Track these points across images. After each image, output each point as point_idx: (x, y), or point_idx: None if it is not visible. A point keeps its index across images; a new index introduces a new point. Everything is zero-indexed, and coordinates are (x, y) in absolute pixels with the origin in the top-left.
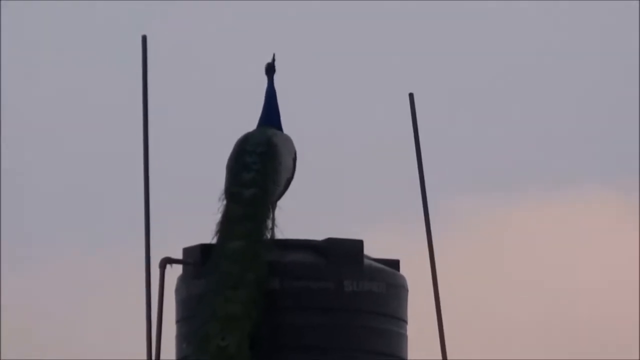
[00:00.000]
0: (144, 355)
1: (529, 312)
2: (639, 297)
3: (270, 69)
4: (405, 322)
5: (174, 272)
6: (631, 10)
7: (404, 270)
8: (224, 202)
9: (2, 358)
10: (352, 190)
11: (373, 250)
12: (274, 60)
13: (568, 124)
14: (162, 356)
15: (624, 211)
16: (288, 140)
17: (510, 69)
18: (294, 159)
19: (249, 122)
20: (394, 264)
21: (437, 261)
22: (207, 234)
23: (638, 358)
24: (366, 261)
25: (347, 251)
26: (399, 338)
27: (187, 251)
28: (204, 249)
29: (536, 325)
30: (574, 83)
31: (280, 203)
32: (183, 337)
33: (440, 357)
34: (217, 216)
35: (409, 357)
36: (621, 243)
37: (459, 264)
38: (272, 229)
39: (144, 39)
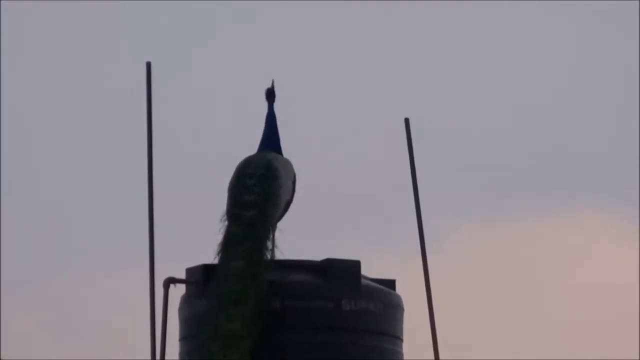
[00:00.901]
0: None
1: (520, 329)
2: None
3: (270, 95)
4: (401, 340)
5: (178, 292)
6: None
7: (399, 289)
8: (226, 223)
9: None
10: (350, 212)
11: (370, 270)
12: (273, 86)
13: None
14: None
15: (615, 233)
16: (288, 163)
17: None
18: (294, 182)
19: (250, 145)
20: (390, 284)
21: (431, 281)
22: (209, 255)
23: None
24: (363, 281)
25: (345, 271)
26: (395, 356)
27: (189, 271)
28: (206, 269)
29: (527, 339)
30: (567, 114)
31: (280, 225)
32: (186, 355)
33: None
34: (219, 237)
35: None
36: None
37: (453, 284)
38: (272, 249)
39: (149, 65)
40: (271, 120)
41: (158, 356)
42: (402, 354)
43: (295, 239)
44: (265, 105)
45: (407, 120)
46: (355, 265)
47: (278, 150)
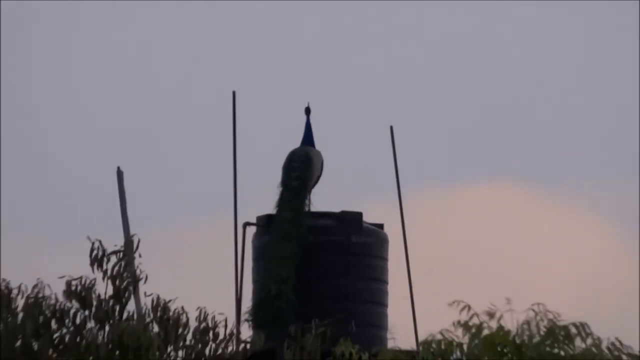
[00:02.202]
0: (232, 282)
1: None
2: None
3: (307, 111)
4: (387, 259)
5: (251, 231)
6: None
7: (386, 229)
8: (281, 189)
9: None
10: (355, 181)
11: (368, 217)
12: (309, 105)
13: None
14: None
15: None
16: (318, 153)
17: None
18: (322, 164)
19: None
20: (380, 226)
21: (406, 224)
22: (270, 207)
23: None
24: (364, 224)
25: (352, 218)
26: (383, 270)
27: (259, 218)
28: (269, 217)
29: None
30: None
31: (313, 190)
32: (256, 269)
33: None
34: (276, 197)
35: (388, 280)
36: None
37: (420, 226)
38: (308, 205)
39: (234, 94)
40: (308, 127)
41: (239, 270)
42: (387, 269)
43: (323, 198)
44: (304, 117)
45: (391, 128)
46: (358, 214)
47: (312, 144)
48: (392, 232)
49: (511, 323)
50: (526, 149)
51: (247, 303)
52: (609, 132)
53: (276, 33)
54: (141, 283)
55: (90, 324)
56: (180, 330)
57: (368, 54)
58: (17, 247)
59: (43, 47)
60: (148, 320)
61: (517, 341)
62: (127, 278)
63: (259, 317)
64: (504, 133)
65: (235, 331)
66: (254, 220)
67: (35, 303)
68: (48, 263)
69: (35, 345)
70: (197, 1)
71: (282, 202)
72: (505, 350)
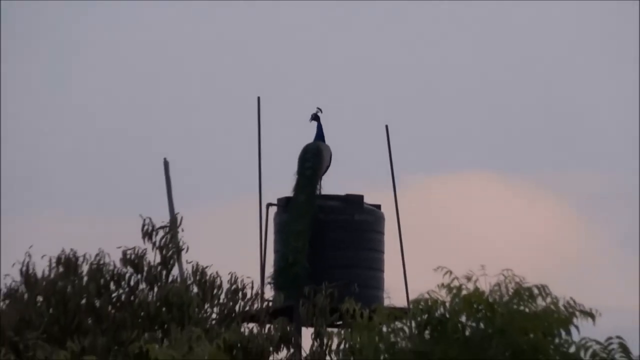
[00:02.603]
0: (258, 252)
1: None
2: None
3: (316, 116)
4: (383, 234)
5: (272, 210)
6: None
7: (383, 209)
8: (296, 176)
9: None
10: (359, 170)
11: (368, 199)
12: (320, 110)
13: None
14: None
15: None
16: (328, 147)
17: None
18: (330, 156)
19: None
20: (378, 206)
21: (399, 206)
22: (288, 191)
23: None
24: (365, 205)
25: (355, 200)
26: (380, 242)
27: (279, 200)
28: (288, 199)
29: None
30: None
31: (323, 177)
32: (278, 241)
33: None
34: (293, 183)
35: (384, 250)
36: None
37: (411, 207)
38: (319, 189)
39: (259, 99)
40: (319, 127)
41: (263, 242)
42: (383, 241)
43: (330, 184)
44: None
45: (386, 127)
46: (360, 197)
47: (323, 140)
48: (388, 212)
49: (485, 285)
50: (499, 144)
51: (269, 269)
52: (568, 128)
53: (284, 37)
54: (183, 252)
55: (142, 285)
56: (215, 291)
57: (360, 55)
58: (82, 223)
59: (119, 47)
60: (189, 282)
61: (490, 300)
62: (171, 248)
63: (279, 280)
64: (482, 131)
65: (260, 292)
66: (275, 202)
67: (97, 268)
68: (107, 236)
69: (97, 303)
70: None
71: (297, 187)
72: (480, 308)
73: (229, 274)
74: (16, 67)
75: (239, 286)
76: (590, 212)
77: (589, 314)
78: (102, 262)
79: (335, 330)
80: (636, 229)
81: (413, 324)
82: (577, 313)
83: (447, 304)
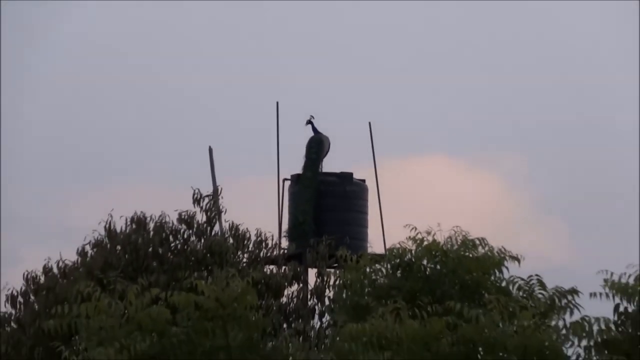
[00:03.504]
0: (276, 214)
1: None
2: None
3: (310, 121)
4: (367, 201)
5: (287, 184)
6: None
7: (367, 182)
8: (305, 159)
9: None
10: (349, 154)
11: (356, 175)
12: (312, 117)
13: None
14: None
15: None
16: (327, 138)
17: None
18: (329, 145)
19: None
20: (363, 181)
21: (379, 180)
22: (298, 170)
23: None
24: (354, 179)
25: (347, 176)
26: (365, 206)
27: (292, 176)
28: (298, 175)
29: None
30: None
31: (324, 160)
32: (290, 207)
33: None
34: (302, 164)
35: (368, 212)
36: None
37: (388, 182)
38: (321, 168)
39: (277, 104)
40: (314, 128)
41: (280, 207)
42: (367, 206)
43: (330, 164)
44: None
45: (369, 124)
46: (350, 174)
47: (320, 134)
48: (370, 185)
49: (441, 237)
50: (455, 131)
51: (285, 226)
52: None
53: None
54: (223, 214)
55: (193, 238)
56: (245, 242)
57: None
58: (149, 192)
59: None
60: (226, 236)
61: (444, 248)
62: (214, 211)
63: (292, 234)
64: (444, 120)
65: (278, 243)
66: (289, 178)
67: (160, 225)
68: (168, 202)
69: (160, 251)
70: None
71: (305, 167)
72: (437, 254)
73: (255, 229)
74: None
75: (263, 238)
76: (513, 183)
77: (516, 258)
78: (163, 220)
79: (332, 270)
80: (550, 195)
81: (389, 266)
82: (507, 258)
83: (413, 252)
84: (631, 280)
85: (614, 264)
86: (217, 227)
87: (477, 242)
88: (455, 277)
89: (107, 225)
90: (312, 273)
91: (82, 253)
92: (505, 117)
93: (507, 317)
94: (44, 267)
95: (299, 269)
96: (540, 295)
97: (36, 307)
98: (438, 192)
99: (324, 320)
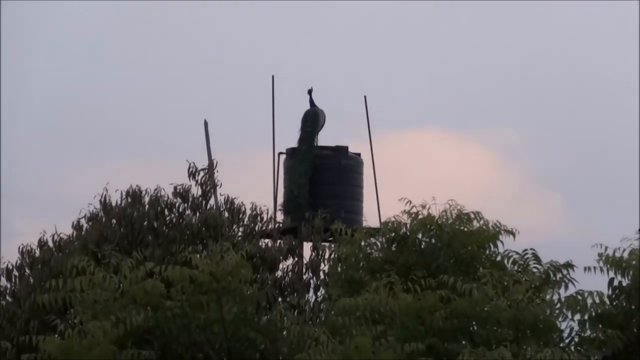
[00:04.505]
0: (272, 187)
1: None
2: None
3: (310, 92)
4: (362, 174)
5: (282, 157)
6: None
7: (362, 156)
8: (300, 132)
9: None
10: (345, 128)
11: (351, 149)
12: (311, 89)
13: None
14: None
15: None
16: (322, 111)
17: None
18: (324, 118)
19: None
20: (358, 154)
21: (374, 154)
22: (294, 143)
23: None
24: (349, 154)
25: (342, 150)
26: (360, 180)
27: (287, 150)
28: (293, 149)
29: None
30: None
31: (320, 133)
32: (285, 180)
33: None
34: (297, 137)
35: (363, 186)
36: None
37: (382, 156)
38: (316, 142)
39: (273, 78)
40: (311, 99)
41: (275, 180)
42: (362, 180)
43: (325, 138)
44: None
45: (365, 97)
46: (345, 147)
47: (315, 107)
48: (366, 158)
49: (435, 211)
50: (447, 105)
51: (280, 200)
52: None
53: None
54: (218, 188)
55: (188, 211)
56: (240, 215)
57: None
58: (145, 166)
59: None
60: (222, 209)
61: (439, 222)
62: (209, 184)
63: (287, 208)
64: (434, 94)
65: (273, 216)
66: (284, 151)
67: (156, 199)
68: (163, 175)
69: (155, 224)
70: None
71: (300, 140)
72: (431, 228)
73: (251, 203)
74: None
75: (258, 212)
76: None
77: (511, 232)
78: (159, 194)
79: (327, 244)
80: (544, 169)
81: (383, 240)
82: (502, 232)
83: (408, 225)
84: (625, 255)
85: (609, 238)
86: (212, 201)
87: (472, 216)
88: (450, 251)
89: (103, 199)
90: (307, 247)
91: (77, 227)
92: (500, 91)
93: (500, 291)
94: (39, 241)
95: (294, 243)
96: (535, 270)
97: (31, 280)
98: (433, 165)
99: (318, 294)
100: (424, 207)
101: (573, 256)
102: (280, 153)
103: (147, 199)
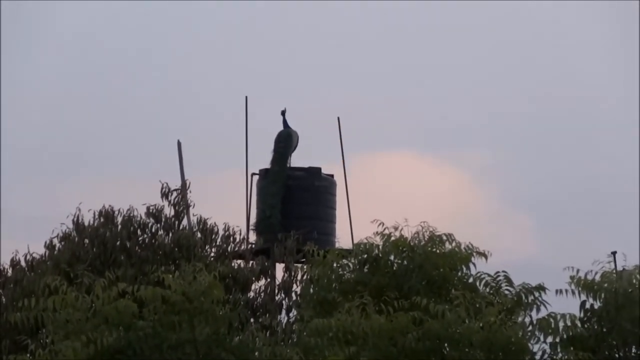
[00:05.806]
0: (244, 208)
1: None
2: None
3: (283, 113)
4: (335, 195)
5: (255, 178)
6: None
7: (335, 177)
8: (273, 153)
9: None
10: (318, 150)
11: (325, 170)
12: (285, 110)
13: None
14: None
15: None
16: (296, 132)
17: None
18: (297, 139)
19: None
20: (332, 176)
21: (347, 175)
22: (266, 164)
23: None
24: (323, 175)
25: (315, 171)
26: (333, 201)
27: (260, 170)
28: (266, 170)
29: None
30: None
31: (292, 154)
32: (258, 200)
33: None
34: (270, 158)
35: (336, 207)
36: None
37: (356, 177)
38: (289, 163)
39: (246, 98)
40: (285, 120)
41: (248, 201)
42: (335, 201)
43: (298, 159)
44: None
45: (338, 119)
46: (318, 168)
47: (289, 128)
48: (339, 180)
49: (408, 233)
50: (420, 126)
51: (252, 220)
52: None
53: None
54: (191, 208)
55: (161, 231)
56: (213, 235)
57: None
58: (117, 186)
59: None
60: (194, 230)
61: (411, 244)
62: (182, 205)
63: (259, 228)
64: (409, 119)
65: (245, 237)
66: (257, 172)
67: (128, 219)
68: (136, 195)
69: (128, 244)
70: None
71: (273, 161)
72: (404, 249)
73: (223, 224)
74: None
75: (231, 232)
76: (481, 179)
77: (483, 254)
78: (131, 214)
79: (300, 265)
80: (516, 191)
81: (356, 261)
82: (474, 254)
83: (381, 247)
84: (597, 277)
85: (581, 260)
86: (185, 221)
87: (445, 237)
88: (422, 273)
89: (75, 219)
90: (279, 268)
91: (50, 246)
92: (472, 113)
93: (473, 313)
94: (12, 260)
95: (266, 264)
96: (507, 292)
97: (3, 300)
98: (406, 188)
99: (291, 315)
100: (396, 228)
101: (545, 278)
102: (253, 174)
103: (119, 219)
